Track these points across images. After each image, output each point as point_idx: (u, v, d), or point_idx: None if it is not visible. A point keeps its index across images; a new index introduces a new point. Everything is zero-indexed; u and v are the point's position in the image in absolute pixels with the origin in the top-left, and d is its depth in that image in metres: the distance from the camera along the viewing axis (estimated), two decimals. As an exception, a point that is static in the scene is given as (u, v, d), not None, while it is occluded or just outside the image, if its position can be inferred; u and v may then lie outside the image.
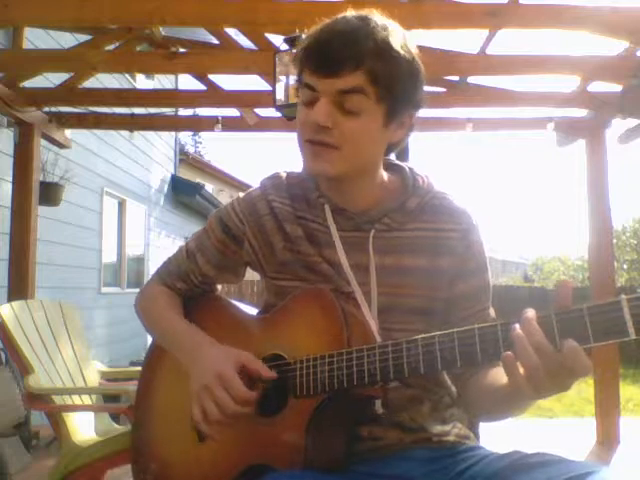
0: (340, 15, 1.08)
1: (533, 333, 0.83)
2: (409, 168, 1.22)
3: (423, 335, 0.95)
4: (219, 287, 1.37)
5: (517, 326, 0.85)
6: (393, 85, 1.06)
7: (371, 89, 1.04)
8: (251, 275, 1.33)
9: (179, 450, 1.18)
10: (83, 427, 2.50)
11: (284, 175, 1.25)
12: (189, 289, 1.30)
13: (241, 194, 1.27)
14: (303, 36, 1.14)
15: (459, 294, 1.16)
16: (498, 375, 1.04)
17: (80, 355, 2.82)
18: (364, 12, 1.07)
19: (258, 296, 11.18)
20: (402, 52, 1.05)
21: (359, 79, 1.03)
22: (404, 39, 1.07)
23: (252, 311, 1.28)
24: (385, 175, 1.20)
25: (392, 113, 1.09)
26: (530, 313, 0.85)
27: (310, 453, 1.00)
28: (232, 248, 1.24)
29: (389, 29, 1.06)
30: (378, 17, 1.07)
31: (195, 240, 1.30)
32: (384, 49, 1.04)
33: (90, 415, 2.64)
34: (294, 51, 2.78)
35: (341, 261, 1.13)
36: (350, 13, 1.08)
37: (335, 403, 1.02)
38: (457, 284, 1.16)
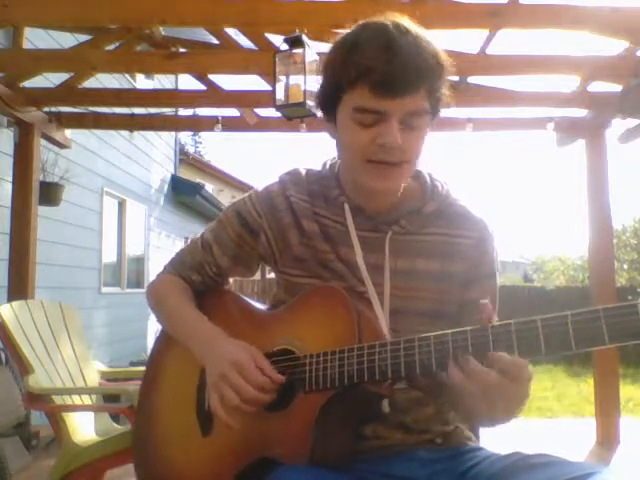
0: (375, 22, 1.05)
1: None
2: (428, 174, 1.23)
3: (435, 332, 0.95)
4: (230, 281, 1.37)
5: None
6: (441, 96, 1.09)
7: (428, 104, 1.07)
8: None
9: (183, 446, 1.18)
10: (83, 427, 2.50)
11: (303, 172, 1.25)
12: (202, 281, 1.31)
13: (259, 188, 1.27)
14: (334, 41, 1.09)
15: (470, 300, 1.16)
16: None
17: (80, 355, 2.81)
18: (397, 18, 1.06)
19: (258, 296, 11.18)
20: (444, 61, 1.07)
21: (423, 97, 1.05)
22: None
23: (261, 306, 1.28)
24: None
25: (433, 121, 1.12)
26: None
27: (317, 448, 1.00)
28: (248, 241, 1.24)
29: (430, 38, 1.06)
30: (413, 25, 1.06)
31: (211, 232, 1.30)
32: (438, 64, 1.05)
33: (90, 415, 2.64)
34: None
35: (357, 260, 1.14)
36: (387, 21, 1.05)
37: (344, 399, 1.02)
38: (469, 290, 1.17)
